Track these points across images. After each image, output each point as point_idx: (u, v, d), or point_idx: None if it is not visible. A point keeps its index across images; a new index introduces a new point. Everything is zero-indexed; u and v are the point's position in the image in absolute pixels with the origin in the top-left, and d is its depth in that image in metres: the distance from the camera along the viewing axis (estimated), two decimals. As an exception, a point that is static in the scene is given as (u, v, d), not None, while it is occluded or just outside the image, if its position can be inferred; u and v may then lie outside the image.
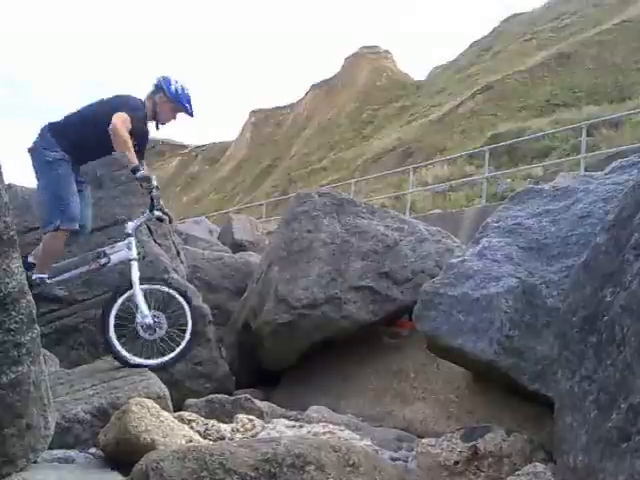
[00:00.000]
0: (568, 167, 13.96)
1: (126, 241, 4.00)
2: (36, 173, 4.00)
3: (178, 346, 3.97)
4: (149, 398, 3.18)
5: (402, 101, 41.80)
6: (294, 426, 3.59)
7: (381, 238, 5.68)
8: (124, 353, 3.81)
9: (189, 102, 4.30)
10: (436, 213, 14.11)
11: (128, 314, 3.90)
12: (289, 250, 5.70)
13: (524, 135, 17.61)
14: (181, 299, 4.06)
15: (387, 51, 49.56)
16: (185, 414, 3.52)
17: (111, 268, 4.10)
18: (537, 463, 2.86)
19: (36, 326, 2.40)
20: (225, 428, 3.43)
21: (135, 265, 3.94)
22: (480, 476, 3.02)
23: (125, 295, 3.90)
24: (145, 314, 3.85)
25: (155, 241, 5.12)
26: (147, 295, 3.93)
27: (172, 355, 3.95)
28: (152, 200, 4.06)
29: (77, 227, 3.93)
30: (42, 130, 4.02)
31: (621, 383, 1.87)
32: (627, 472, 1.69)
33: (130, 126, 3.92)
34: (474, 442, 3.10)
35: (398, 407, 4.77)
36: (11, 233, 2.25)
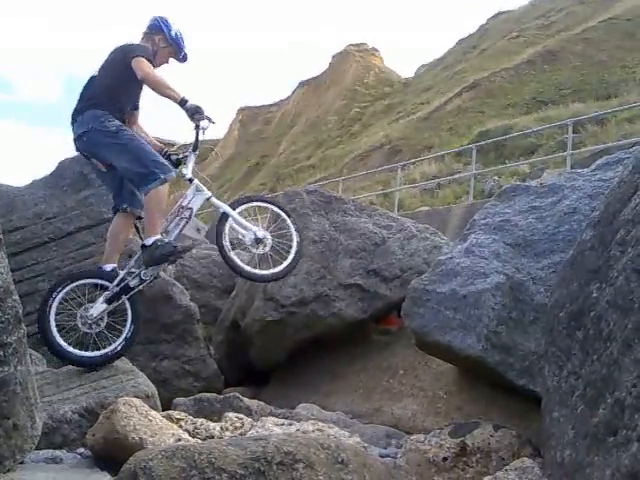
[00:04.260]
0: (554, 164, 14.07)
1: (193, 186, 3.97)
2: (105, 150, 3.85)
3: (285, 259, 3.99)
4: (137, 397, 3.17)
5: (389, 99, 41.85)
6: (283, 424, 3.57)
7: (369, 236, 5.69)
8: (242, 265, 3.90)
9: (185, 46, 4.15)
10: (424, 210, 14.13)
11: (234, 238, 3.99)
12: (277, 248, 5.70)
13: (511, 132, 17.67)
14: (283, 214, 4.11)
15: (374, 49, 49.59)
16: (174, 413, 3.51)
17: None
18: (525, 458, 2.87)
19: (22, 326, 2.38)
20: (214, 427, 3.42)
21: (215, 199, 3.99)
22: (468, 472, 3.03)
23: (229, 219, 3.91)
24: (254, 229, 3.90)
25: (142, 239, 5.09)
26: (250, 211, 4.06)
27: (283, 266, 3.98)
28: (197, 136, 3.93)
29: (174, 174, 3.89)
30: (83, 112, 3.88)
31: (607, 378, 1.88)
32: (614, 466, 1.71)
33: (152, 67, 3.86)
34: (462, 438, 3.12)
35: (387, 404, 4.78)
36: (-4, 232, 2.24)
